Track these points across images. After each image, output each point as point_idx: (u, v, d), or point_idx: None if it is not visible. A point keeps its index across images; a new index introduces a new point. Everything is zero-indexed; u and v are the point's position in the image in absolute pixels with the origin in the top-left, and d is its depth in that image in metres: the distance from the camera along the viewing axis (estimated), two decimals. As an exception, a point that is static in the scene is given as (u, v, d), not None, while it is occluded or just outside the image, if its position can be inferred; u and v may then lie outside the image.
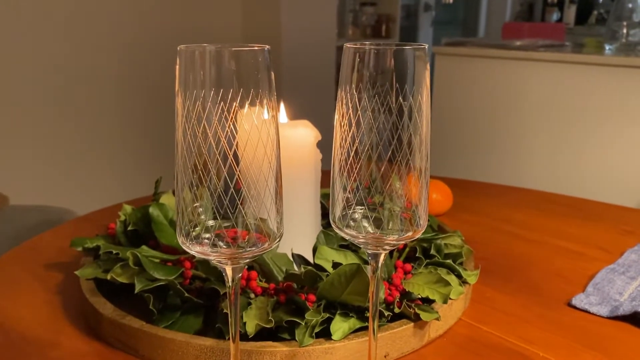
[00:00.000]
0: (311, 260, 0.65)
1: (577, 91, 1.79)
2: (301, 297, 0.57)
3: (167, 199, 0.71)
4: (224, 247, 0.41)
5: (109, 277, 0.61)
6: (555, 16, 4.20)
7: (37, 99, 2.09)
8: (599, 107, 1.75)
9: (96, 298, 0.62)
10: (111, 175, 2.29)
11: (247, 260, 0.41)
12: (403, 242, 0.44)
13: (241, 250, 0.41)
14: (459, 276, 0.65)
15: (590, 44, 2.15)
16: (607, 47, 2.04)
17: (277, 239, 0.42)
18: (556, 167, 1.84)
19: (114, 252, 0.65)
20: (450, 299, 0.59)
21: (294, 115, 0.72)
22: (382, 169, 0.44)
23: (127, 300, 0.62)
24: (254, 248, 0.41)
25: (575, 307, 0.67)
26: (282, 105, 0.68)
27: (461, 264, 0.68)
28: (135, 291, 0.59)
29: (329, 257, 0.61)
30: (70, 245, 0.71)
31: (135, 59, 2.26)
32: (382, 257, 0.45)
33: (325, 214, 0.78)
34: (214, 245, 0.40)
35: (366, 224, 0.45)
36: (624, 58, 1.75)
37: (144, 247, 0.64)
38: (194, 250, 0.40)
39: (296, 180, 0.66)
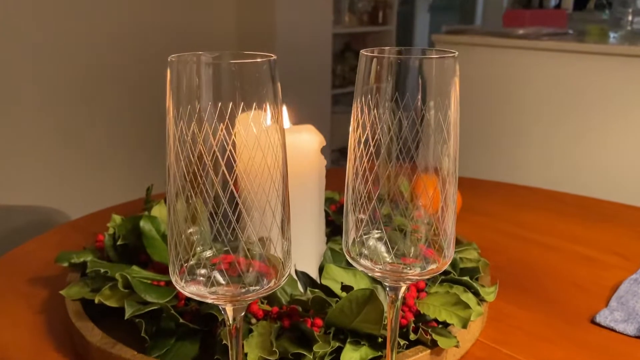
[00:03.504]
0: (317, 278, 0.61)
1: (584, 81, 1.74)
2: (307, 323, 0.52)
3: (159, 211, 0.66)
4: (223, 283, 0.36)
5: (96, 301, 0.56)
6: (553, 2, 4.13)
7: (26, 97, 2.02)
8: (608, 99, 1.70)
9: (83, 322, 0.57)
10: (102, 174, 2.22)
11: (251, 300, 0.36)
12: (427, 277, 0.39)
13: (243, 290, 0.35)
14: (475, 293, 0.61)
15: (593, 32, 2.09)
16: (611, 35, 1.99)
17: (285, 275, 0.37)
18: (562, 162, 1.80)
19: (102, 270, 0.59)
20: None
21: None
22: (405, 193, 0.38)
23: (117, 321, 0.57)
24: (257, 287, 0.36)
25: (599, 325, 0.63)
26: (284, 109, 0.63)
27: (477, 279, 0.63)
28: (126, 317, 0.53)
29: (337, 277, 0.56)
30: (56, 261, 0.66)
31: (128, 57, 2.18)
32: (402, 290, 0.40)
33: (328, 222, 0.74)
34: (212, 284, 0.35)
35: (385, 253, 0.40)
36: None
37: (134, 267, 0.58)
38: (188, 290, 0.35)
39: (299, 190, 0.61)
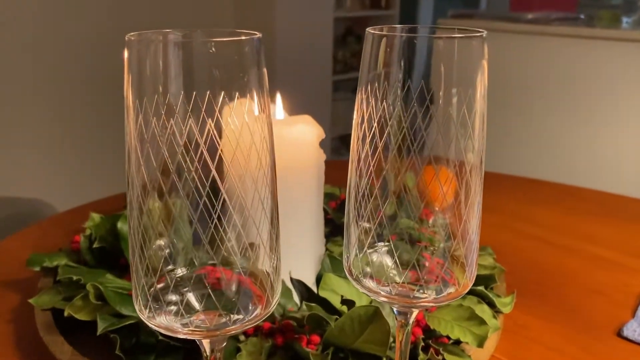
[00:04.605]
0: (314, 285, 0.54)
1: (596, 68, 1.67)
2: (302, 341, 0.46)
3: (139, 210, 0.59)
4: (199, 310, 0.30)
5: (65, 314, 0.50)
6: (560, -14, 4.03)
7: (12, 86, 1.94)
8: (621, 86, 1.63)
9: (52, 336, 0.51)
10: (88, 164, 2.15)
11: (232, 334, 0.30)
12: (443, 303, 0.33)
13: (223, 321, 0.29)
14: (490, 304, 0.55)
15: (605, 16, 2.01)
16: (624, 20, 1.91)
17: (273, 302, 0.30)
18: (573, 153, 1.73)
19: (75, 278, 0.53)
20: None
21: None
22: (419, 198, 0.32)
23: (92, 334, 0.50)
24: (240, 316, 0.29)
25: (626, 339, 0.57)
26: (278, 97, 0.56)
27: (491, 288, 0.57)
28: (98, 332, 0.47)
29: (336, 288, 0.50)
30: (27, 265, 0.60)
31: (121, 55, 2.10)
32: (413, 315, 0.34)
33: (327, 220, 0.68)
34: (183, 314, 0.29)
35: (393, 271, 0.33)
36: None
37: (108, 275, 0.52)
38: (155, 323, 0.29)
39: (296, 188, 0.55)
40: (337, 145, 2.93)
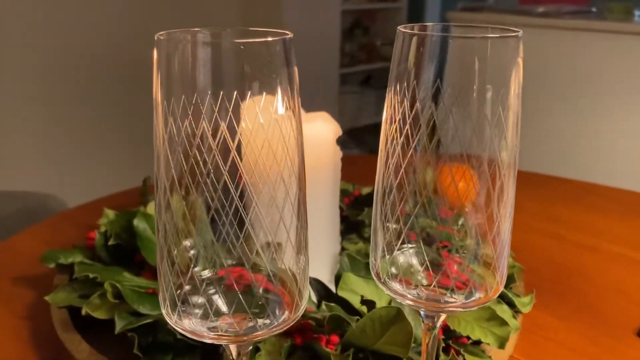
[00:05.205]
0: (329, 282, 0.54)
1: (608, 62, 1.65)
2: (322, 341, 0.46)
3: (155, 208, 0.59)
4: (226, 312, 0.29)
5: (83, 312, 0.49)
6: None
7: (20, 80, 1.94)
8: (633, 80, 1.61)
9: (69, 334, 0.50)
10: (97, 156, 2.15)
11: (259, 339, 0.29)
12: (472, 308, 0.32)
13: (250, 325, 0.29)
14: (510, 304, 0.54)
15: (616, 10, 1.99)
16: (636, 13, 1.89)
17: (302, 305, 0.30)
18: (583, 149, 1.71)
19: (91, 276, 0.53)
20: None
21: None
22: (450, 199, 0.31)
23: (109, 332, 0.50)
24: (267, 321, 0.29)
25: (647, 339, 0.56)
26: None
27: (510, 288, 0.57)
28: (116, 331, 0.47)
29: (356, 288, 0.49)
30: (41, 261, 0.60)
31: (128, 55, 2.08)
32: (441, 319, 0.33)
33: (342, 217, 0.67)
34: (211, 317, 0.28)
35: (421, 274, 0.33)
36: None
37: (125, 273, 0.52)
38: (181, 326, 0.28)
39: (313, 186, 0.54)
40: (344, 139, 2.92)
